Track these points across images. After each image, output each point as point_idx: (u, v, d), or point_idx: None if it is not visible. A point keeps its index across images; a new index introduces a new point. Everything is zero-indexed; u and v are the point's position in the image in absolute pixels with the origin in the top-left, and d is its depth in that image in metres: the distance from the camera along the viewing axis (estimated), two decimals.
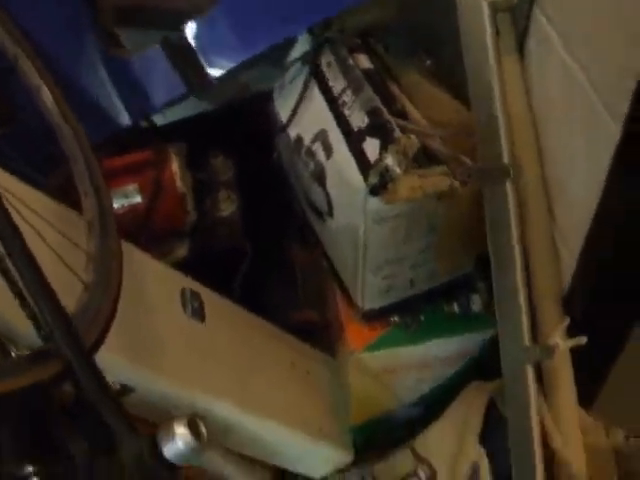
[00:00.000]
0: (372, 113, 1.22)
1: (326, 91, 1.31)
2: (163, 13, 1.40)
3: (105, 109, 1.40)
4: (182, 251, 1.46)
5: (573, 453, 1.18)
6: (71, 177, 1.13)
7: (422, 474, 1.26)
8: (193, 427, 0.84)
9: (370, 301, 1.31)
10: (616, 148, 0.99)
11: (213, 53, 1.32)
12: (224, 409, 1.17)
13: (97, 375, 0.86)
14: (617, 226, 1.17)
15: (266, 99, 1.47)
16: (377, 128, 1.20)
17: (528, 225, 1.16)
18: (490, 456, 1.19)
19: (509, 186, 1.15)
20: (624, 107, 0.95)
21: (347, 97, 1.26)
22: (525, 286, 1.14)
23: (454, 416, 1.23)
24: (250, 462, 1.25)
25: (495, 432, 1.19)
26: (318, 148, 1.30)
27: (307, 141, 1.33)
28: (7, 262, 0.85)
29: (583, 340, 1.13)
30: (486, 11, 1.15)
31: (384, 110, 1.22)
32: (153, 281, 1.19)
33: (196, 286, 1.25)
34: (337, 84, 1.29)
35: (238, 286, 1.45)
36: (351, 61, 1.30)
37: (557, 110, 1.13)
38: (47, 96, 1.16)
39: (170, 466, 0.85)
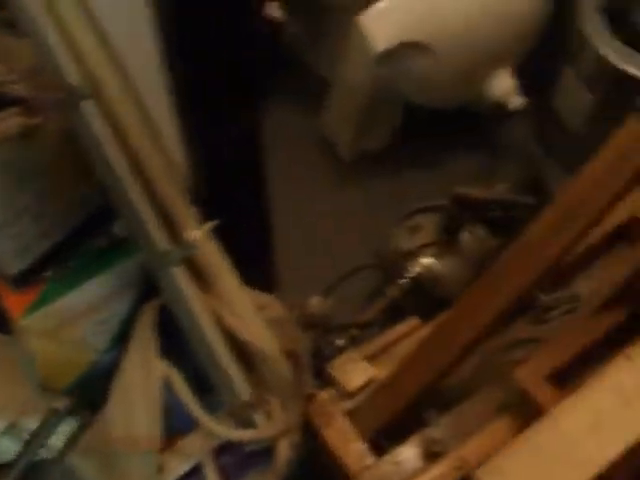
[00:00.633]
0: None
1: None
2: None
3: None
4: None
5: (254, 331, 1.21)
6: None
7: None
8: None
9: (11, 265, 1.24)
10: None
11: None
12: None
13: None
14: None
15: None
16: None
17: (129, 136, 1.14)
18: (178, 366, 1.20)
19: (91, 106, 1.12)
20: None
21: None
22: (143, 194, 1.13)
23: (134, 343, 1.22)
24: None
25: (175, 342, 1.20)
26: None
27: None
28: None
29: (215, 222, 1.15)
30: None
31: None
32: None
33: None
34: None
35: None
36: None
37: None
38: None
39: None
